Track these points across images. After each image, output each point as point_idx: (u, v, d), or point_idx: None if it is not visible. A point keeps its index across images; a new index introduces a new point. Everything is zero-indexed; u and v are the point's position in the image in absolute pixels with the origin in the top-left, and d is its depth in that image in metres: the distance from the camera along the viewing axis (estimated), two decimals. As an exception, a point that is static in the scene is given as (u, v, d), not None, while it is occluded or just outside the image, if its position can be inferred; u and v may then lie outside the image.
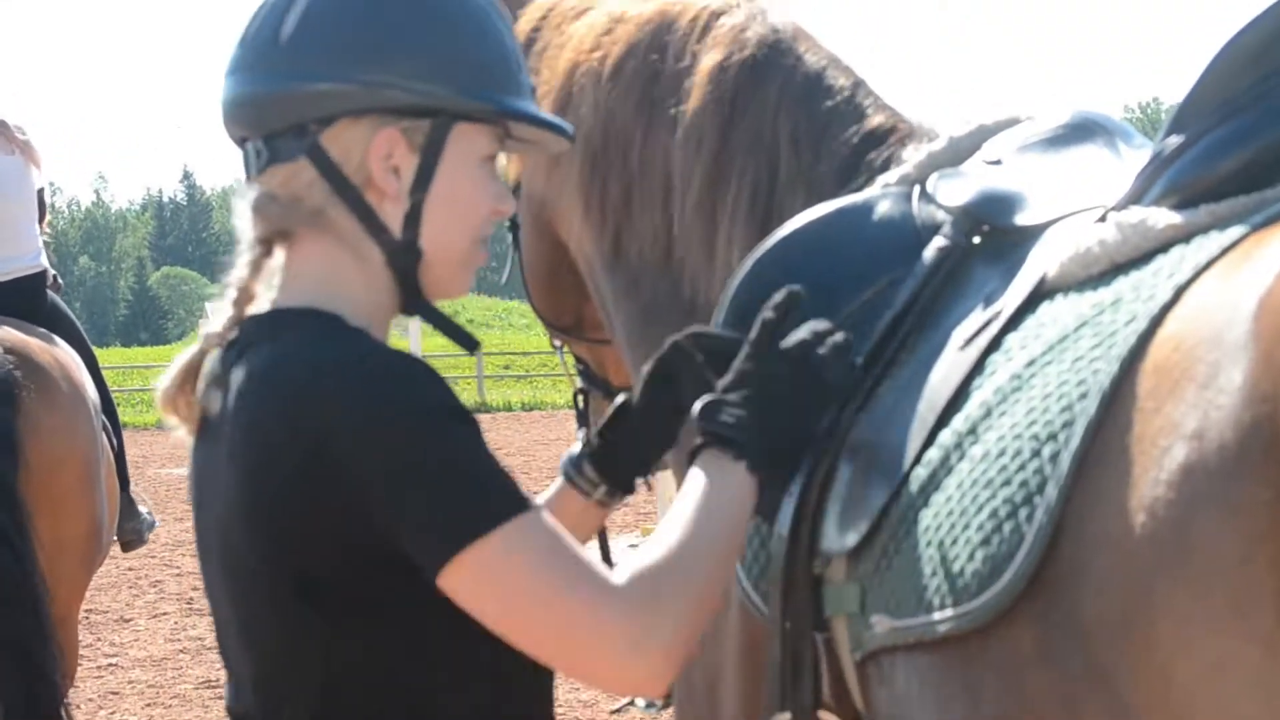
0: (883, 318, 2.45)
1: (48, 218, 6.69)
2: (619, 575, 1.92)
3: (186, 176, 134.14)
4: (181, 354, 2.14)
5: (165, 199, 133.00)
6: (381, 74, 2.04)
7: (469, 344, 2.19)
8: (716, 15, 3.02)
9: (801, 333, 2.22)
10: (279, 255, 2.13)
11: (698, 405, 2.14)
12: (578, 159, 3.10)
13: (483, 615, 1.90)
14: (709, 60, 2.95)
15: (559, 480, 2.40)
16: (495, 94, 2.09)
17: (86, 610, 10.40)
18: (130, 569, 12.60)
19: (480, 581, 1.88)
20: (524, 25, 3.28)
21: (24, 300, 6.18)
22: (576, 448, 2.39)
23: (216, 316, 2.12)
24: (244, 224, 2.13)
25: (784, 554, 2.36)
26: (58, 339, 6.05)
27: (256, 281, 2.12)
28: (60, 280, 6.64)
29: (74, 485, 5.71)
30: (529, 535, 1.89)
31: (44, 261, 6.36)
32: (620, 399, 2.37)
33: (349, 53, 2.05)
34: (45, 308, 6.29)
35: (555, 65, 3.17)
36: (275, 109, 2.07)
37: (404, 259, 2.09)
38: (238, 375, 2.00)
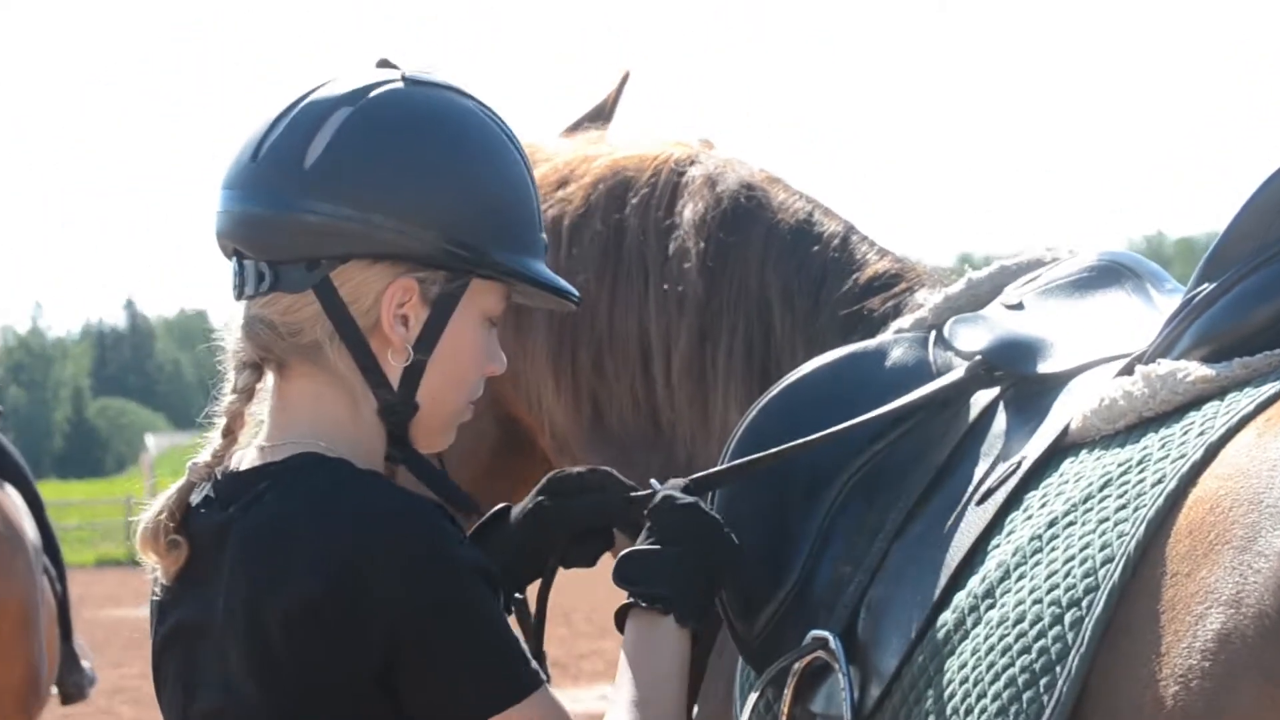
0: (897, 468, 2.36)
1: None
2: None
3: (129, 304, 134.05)
4: (165, 490, 2.03)
5: (106, 328, 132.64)
6: (410, 223, 1.97)
7: (465, 504, 2.12)
8: (679, 170, 2.93)
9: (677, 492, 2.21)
10: (268, 379, 2.04)
11: (618, 562, 2.15)
12: (542, 329, 3.00)
13: None
14: (689, 214, 2.87)
15: None
16: (521, 257, 2.03)
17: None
18: (66, 716, 12.29)
19: None
20: None
21: None
22: None
23: (205, 447, 2.04)
24: (231, 343, 2.04)
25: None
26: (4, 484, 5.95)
27: (247, 409, 2.04)
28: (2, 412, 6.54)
29: (8, 630, 5.57)
30: (545, 709, 1.94)
31: None
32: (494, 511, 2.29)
33: (378, 193, 1.96)
34: None
35: None
36: (288, 237, 1.97)
37: (399, 413, 2.02)
38: (247, 524, 1.94)
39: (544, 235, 2.11)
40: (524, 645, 1.95)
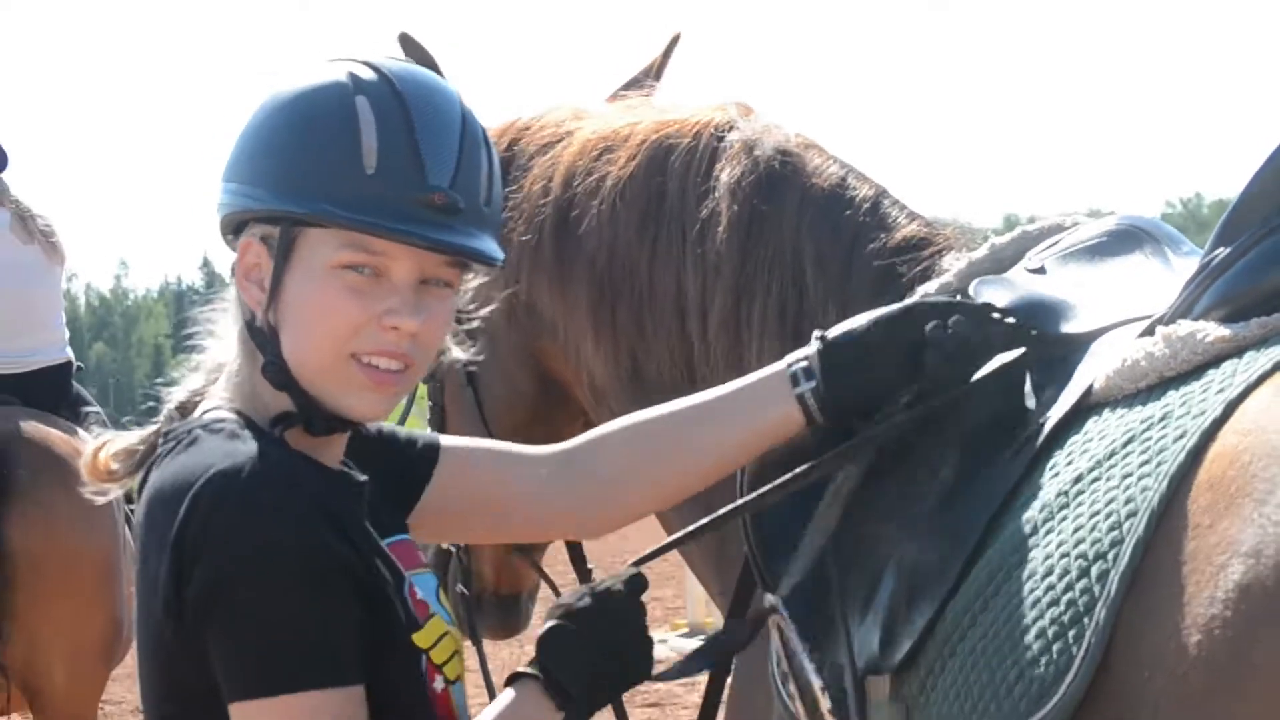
0: (924, 429, 2.38)
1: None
2: None
3: (205, 264, 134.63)
4: (147, 428, 2.15)
5: (184, 285, 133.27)
6: (243, 183, 2.05)
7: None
8: (719, 135, 2.95)
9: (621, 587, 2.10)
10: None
11: (543, 626, 2.05)
12: (584, 284, 3.03)
13: None
14: (725, 178, 2.90)
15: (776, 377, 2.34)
16: (305, 198, 2.00)
17: (100, 702, 10.25)
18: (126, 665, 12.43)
19: None
20: (499, 146, 3.10)
21: (48, 391, 6.12)
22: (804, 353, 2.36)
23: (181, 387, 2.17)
24: None
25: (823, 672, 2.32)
26: (81, 431, 6.00)
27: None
28: (81, 366, 6.58)
29: (92, 579, 5.64)
30: (316, 714, 1.88)
31: (69, 353, 6.32)
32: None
33: (229, 164, 2.08)
34: (69, 399, 6.25)
35: (545, 187, 3.08)
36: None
37: (269, 371, 2.05)
38: (153, 476, 2.03)
39: (399, 183, 2.02)
40: (323, 644, 1.90)
